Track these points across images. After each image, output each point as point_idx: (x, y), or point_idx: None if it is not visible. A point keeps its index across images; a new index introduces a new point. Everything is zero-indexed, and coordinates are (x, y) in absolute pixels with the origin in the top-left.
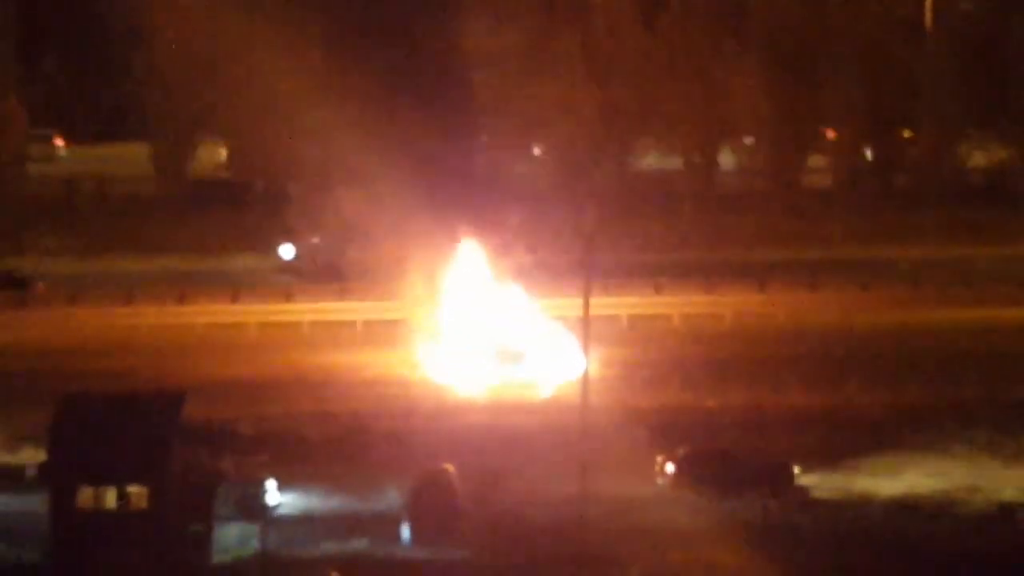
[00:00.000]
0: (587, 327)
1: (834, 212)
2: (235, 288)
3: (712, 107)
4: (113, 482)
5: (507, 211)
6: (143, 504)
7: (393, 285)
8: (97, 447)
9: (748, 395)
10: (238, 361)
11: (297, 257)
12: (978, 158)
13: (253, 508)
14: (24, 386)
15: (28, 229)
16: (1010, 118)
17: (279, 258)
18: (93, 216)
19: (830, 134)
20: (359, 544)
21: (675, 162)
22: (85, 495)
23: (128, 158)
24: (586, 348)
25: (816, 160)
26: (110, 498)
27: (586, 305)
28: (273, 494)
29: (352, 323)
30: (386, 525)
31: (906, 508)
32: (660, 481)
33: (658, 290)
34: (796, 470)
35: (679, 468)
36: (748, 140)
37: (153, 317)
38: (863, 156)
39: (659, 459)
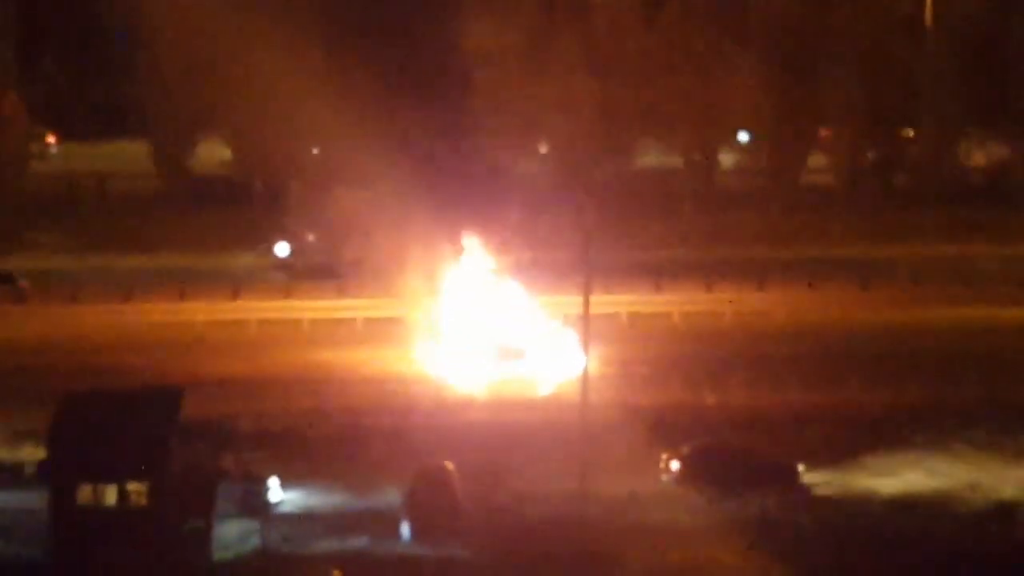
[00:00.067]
0: (587, 324)
1: (834, 211)
2: (235, 285)
3: (712, 105)
4: (113, 479)
5: (507, 209)
6: (143, 501)
7: (390, 283)
8: (97, 444)
9: (747, 393)
10: (238, 358)
11: (292, 255)
12: (978, 157)
13: (256, 505)
14: (24, 383)
15: (28, 227)
16: (1011, 117)
17: (274, 256)
18: (93, 213)
19: (824, 133)
20: (359, 541)
21: (675, 160)
22: (85, 492)
23: (128, 156)
24: (586, 346)
25: (816, 159)
26: (110, 495)
27: (586, 302)
28: (276, 491)
29: (352, 320)
30: (386, 522)
31: (906, 507)
32: (665, 478)
33: (658, 288)
34: (800, 468)
35: (684, 465)
36: (742, 137)
37: (153, 314)
38: (863, 155)
39: (664, 456)
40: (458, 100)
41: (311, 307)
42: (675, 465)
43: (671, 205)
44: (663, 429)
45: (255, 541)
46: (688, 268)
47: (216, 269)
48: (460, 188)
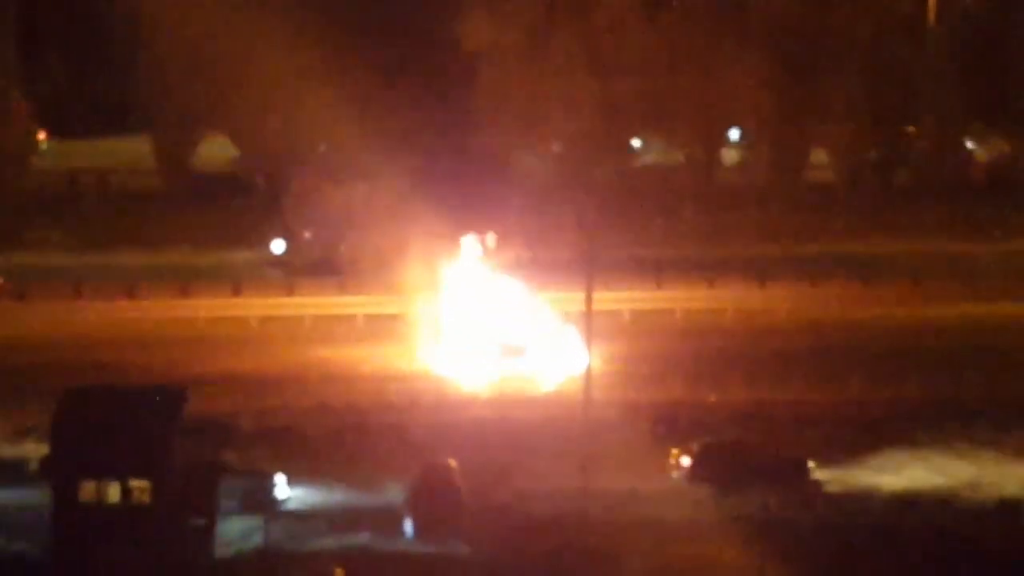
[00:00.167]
0: (590, 321)
1: (835, 208)
2: (236, 282)
3: (714, 103)
4: (115, 476)
5: (508, 206)
6: (145, 498)
7: (388, 280)
8: (99, 441)
9: (749, 390)
10: (239, 355)
11: (288, 252)
12: (980, 154)
13: (263, 502)
14: (26, 380)
15: (30, 224)
16: (1012, 114)
17: (269, 253)
18: (95, 210)
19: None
20: (361, 538)
21: (677, 158)
22: (87, 489)
23: (131, 152)
24: (588, 342)
25: (818, 156)
26: (112, 492)
27: (589, 299)
28: (282, 488)
29: (353, 317)
30: (388, 519)
31: (908, 503)
32: (675, 474)
33: (660, 285)
34: (811, 464)
35: (694, 461)
36: (735, 134)
37: (154, 311)
38: (865, 152)
39: (674, 452)
40: (459, 97)
41: (312, 304)
42: (685, 461)
43: (673, 202)
44: (665, 426)
45: (257, 538)
46: (690, 265)
47: (213, 266)
48: (461, 185)
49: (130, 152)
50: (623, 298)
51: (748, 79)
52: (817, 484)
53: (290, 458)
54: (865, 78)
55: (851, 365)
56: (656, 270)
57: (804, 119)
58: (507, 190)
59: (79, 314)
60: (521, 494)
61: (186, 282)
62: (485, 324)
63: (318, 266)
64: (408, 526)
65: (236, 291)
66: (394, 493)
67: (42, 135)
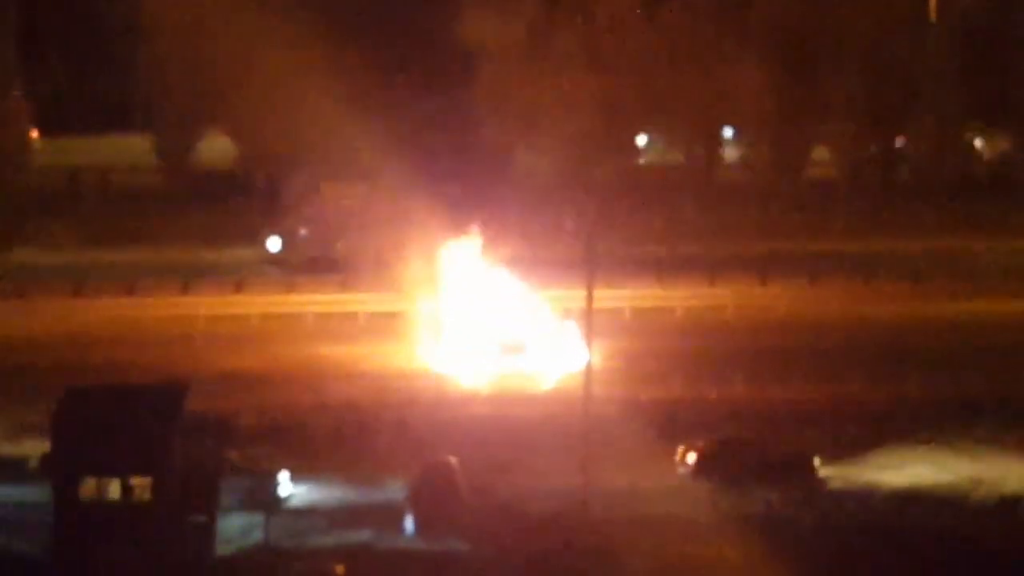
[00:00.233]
0: (590, 319)
1: (836, 205)
2: (237, 280)
3: (715, 101)
4: (116, 474)
5: (508, 203)
6: (146, 496)
7: (387, 277)
8: (100, 439)
9: (750, 387)
10: (241, 353)
11: (284, 249)
12: (981, 151)
13: (266, 500)
14: (27, 378)
15: (31, 221)
16: (1014, 111)
17: (265, 250)
18: (95, 208)
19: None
20: (362, 535)
21: (677, 155)
22: (88, 487)
23: (131, 150)
24: (589, 340)
25: (819, 153)
26: (113, 490)
27: (589, 297)
28: (286, 486)
29: (354, 315)
30: (389, 517)
31: (909, 500)
32: (681, 471)
33: (661, 282)
34: (817, 462)
35: (700, 458)
36: (728, 131)
37: (155, 308)
38: (866, 149)
39: (680, 449)
40: (459, 95)
41: (313, 301)
42: (691, 458)
43: (673, 199)
44: (666, 423)
45: (258, 536)
46: (691, 262)
47: (209, 264)
48: (461, 183)
49: (131, 150)
50: (624, 295)
51: (749, 77)
52: (823, 481)
53: (291, 455)
54: (866, 75)
55: (852, 363)
56: (657, 267)
57: (805, 117)
58: (507, 188)
59: (80, 312)
60: (522, 491)
61: (187, 280)
62: (485, 322)
63: (314, 264)
64: (409, 523)
65: (237, 288)
66: (395, 490)
67: (34, 133)
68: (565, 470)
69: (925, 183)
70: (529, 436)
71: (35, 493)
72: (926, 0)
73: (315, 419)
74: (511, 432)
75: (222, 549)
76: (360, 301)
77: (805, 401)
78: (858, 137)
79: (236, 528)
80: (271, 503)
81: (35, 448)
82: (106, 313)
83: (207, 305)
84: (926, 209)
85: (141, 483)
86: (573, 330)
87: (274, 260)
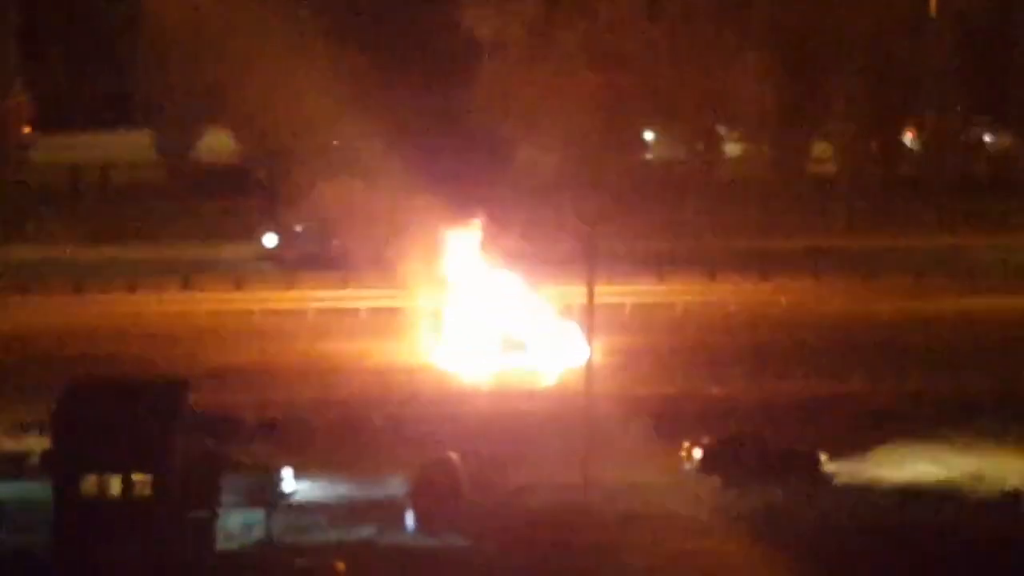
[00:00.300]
0: (591, 315)
1: (837, 201)
2: (238, 275)
3: (716, 97)
4: (117, 470)
5: (510, 199)
6: (146, 492)
7: (387, 274)
8: (101, 435)
9: (751, 383)
10: (242, 348)
11: (280, 245)
12: (983, 147)
13: (270, 496)
14: (28, 374)
15: (32, 217)
16: (1015, 107)
17: (261, 246)
18: (96, 204)
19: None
20: (363, 531)
21: (679, 151)
22: (89, 483)
23: (132, 146)
24: (590, 336)
25: (819, 149)
26: (114, 487)
27: (590, 293)
28: (289, 482)
29: (356, 311)
30: (389, 512)
31: (910, 496)
32: (687, 467)
33: (661, 278)
34: (823, 458)
35: (706, 454)
36: (721, 129)
37: (156, 304)
38: (867, 145)
39: (686, 445)
40: (460, 91)
41: (314, 297)
42: (698, 454)
43: (675, 195)
44: (666, 419)
45: (259, 531)
46: (691, 258)
47: (205, 260)
48: (462, 179)
49: (131, 146)
50: (624, 291)
51: (750, 74)
52: (828, 477)
53: (292, 451)
54: (866, 72)
55: (852, 359)
56: (658, 264)
57: (806, 113)
58: (508, 184)
59: (80, 308)
60: (522, 487)
61: (187, 276)
62: (486, 318)
63: (310, 261)
64: (409, 519)
65: (238, 285)
66: (395, 486)
67: (27, 129)
68: (566, 466)
69: (926, 179)
70: (530, 432)
71: (36, 490)
72: None
73: (316, 415)
74: (512, 428)
75: (223, 545)
76: (361, 297)
77: (805, 397)
78: (859, 134)
79: (237, 524)
80: (274, 499)
81: (36, 445)
82: (107, 309)
83: (208, 301)
84: (927, 205)
85: (142, 480)
86: (574, 326)
87: (270, 256)
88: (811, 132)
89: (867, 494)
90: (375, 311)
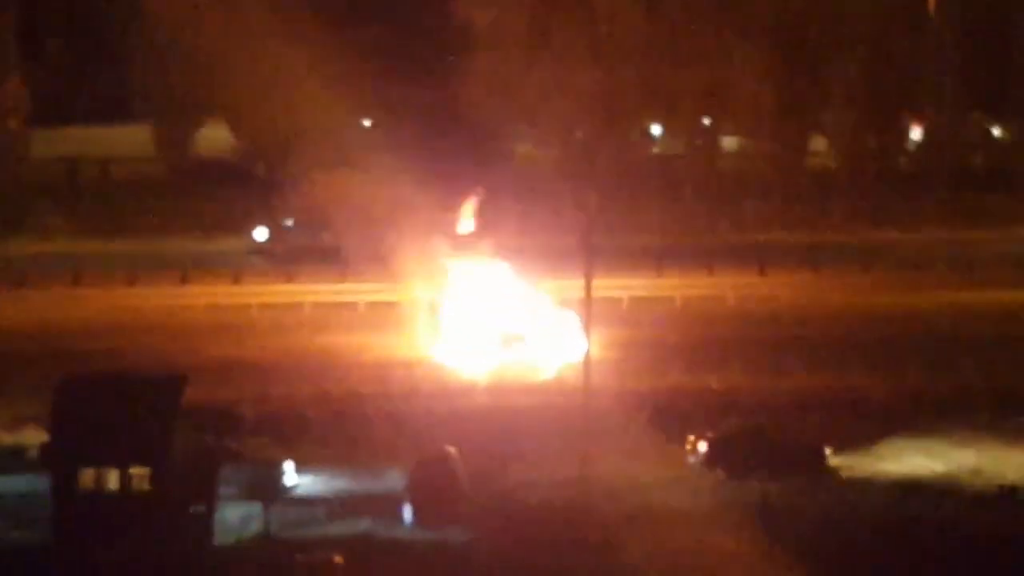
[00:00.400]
0: (589, 309)
1: (836, 195)
2: (236, 269)
3: (714, 90)
4: (115, 464)
5: (508, 192)
6: (144, 486)
7: (382, 267)
8: (98, 429)
9: (750, 377)
10: (240, 342)
11: (270, 239)
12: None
13: (271, 490)
14: (25, 367)
15: (30, 211)
16: (1013, 102)
17: (251, 240)
18: (95, 197)
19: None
20: (361, 526)
21: (677, 145)
22: (87, 477)
23: (131, 140)
24: (588, 330)
25: (818, 143)
26: (112, 480)
27: (588, 287)
28: (291, 475)
29: (354, 305)
30: (388, 507)
31: (909, 491)
32: (692, 461)
33: (660, 272)
34: (828, 452)
35: (711, 448)
36: (706, 120)
37: (154, 298)
38: (865, 139)
39: (691, 439)
40: (458, 83)
41: (312, 291)
42: (703, 447)
43: (673, 189)
44: (665, 413)
45: (257, 525)
46: (690, 252)
47: (194, 254)
48: (460, 173)
49: (129, 140)
50: (622, 285)
51: (748, 67)
52: (833, 472)
53: (290, 445)
54: (865, 65)
55: (851, 353)
56: (656, 257)
57: (804, 107)
58: (506, 177)
59: (78, 302)
60: (521, 482)
61: (185, 269)
62: (485, 312)
63: (301, 254)
64: (408, 513)
65: (236, 279)
66: (394, 480)
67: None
68: (564, 460)
69: (926, 173)
70: (528, 426)
71: (34, 483)
72: None
73: (314, 409)
74: (510, 422)
75: (222, 539)
76: (360, 291)
77: (804, 391)
78: (857, 128)
79: (235, 518)
80: (275, 493)
81: (34, 438)
82: (105, 303)
83: (206, 295)
84: (926, 199)
85: (140, 473)
86: (572, 320)
87: (260, 250)
88: (809, 126)
89: (866, 488)
90: (373, 305)
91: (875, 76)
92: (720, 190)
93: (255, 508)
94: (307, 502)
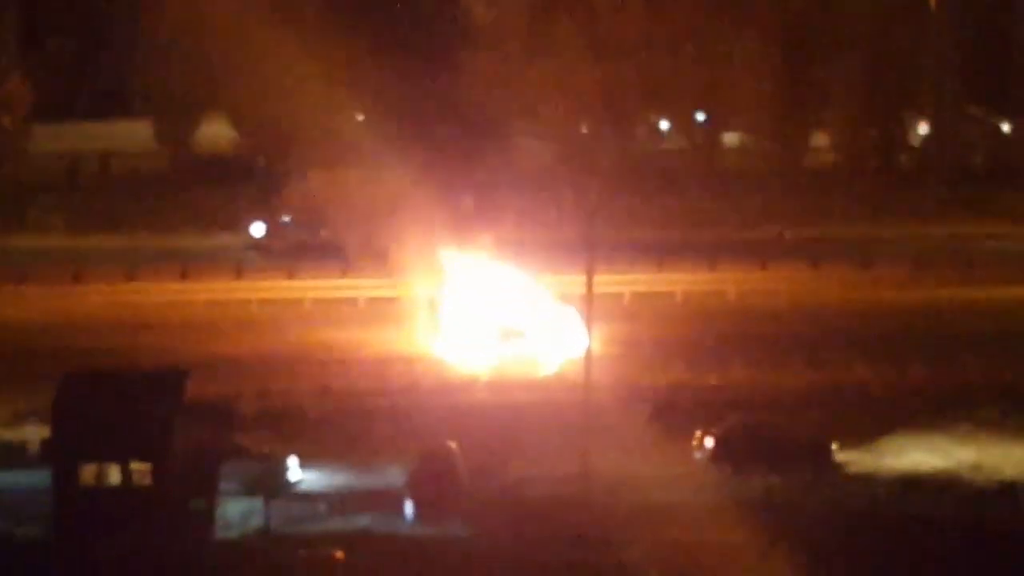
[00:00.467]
0: (590, 304)
1: (837, 190)
2: (237, 265)
3: (716, 86)
4: (116, 459)
5: (509, 187)
6: (146, 481)
7: (382, 263)
8: (100, 424)
9: (750, 372)
10: (240, 338)
11: (268, 235)
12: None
13: (275, 485)
14: (27, 363)
15: (31, 206)
16: (1014, 96)
17: (249, 236)
18: (96, 193)
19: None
20: (362, 521)
21: (683, 140)
22: (88, 472)
23: (132, 135)
24: (589, 325)
25: (819, 138)
26: (113, 475)
27: (589, 282)
28: (295, 471)
29: (354, 300)
30: (389, 502)
31: (910, 486)
32: (698, 456)
33: (661, 267)
34: (834, 447)
35: (718, 444)
36: (700, 116)
37: (155, 294)
38: (866, 135)
39: (698, 434)
40: (459, 79)
41: (313, 287)
42: (709, 443)
43: (674, 184)
44: (666, 409)
45: (258, 521)
46: (691, 247)
47: (192, 249)
48: (460, 168)
49: (131, 135)
50: (624, 280)
51: (749, 62)
52: (839, 467)
53: (291, 441)
54: (867, 61)
55: (852, 348)
56: (657, 252)
57: (806, 102)
58: (507, 172)
59: (79, 297)
60: (521, 477)
61: (186, 265)
62: (485, 307)
63: (299, 250)
64: (408, 509)
65: (237, 274)
66: (394, 476)
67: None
68: (565, 456)
69: (928, 169)
70: (529, 422)
71: (35, 478)
72: None
73: (315, 404)
74: (511, 418)
75: (222, 534)
76: (359, 286)
77: (805, 387)
78: (858, 123)
79: (236, 513)
80: (279, 488)
81: (35, 433)
82: (106, 298)
83: (207, 290)
84: (927, 195)
85: (141, 468)
86: (573, 315)
87: (257, 246)
88: (810, 121)
89: (866, 484)
90: (374, 300)
91: (877, 72)
92: (722, 185)
93: (256, 504)
94: (308, 497)
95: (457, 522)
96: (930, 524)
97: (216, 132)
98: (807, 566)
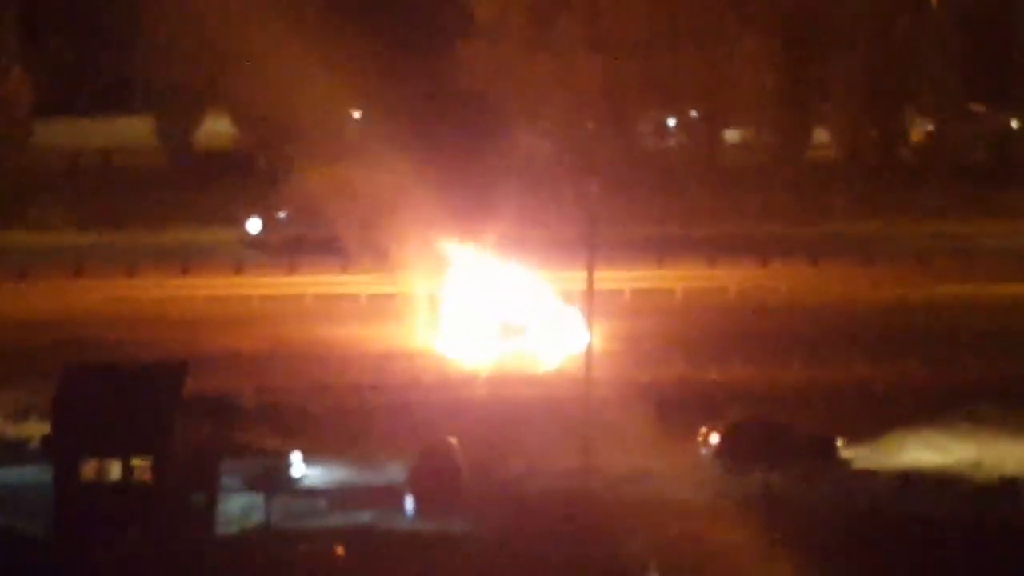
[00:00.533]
0: (591, 300)
1: (838, 187)
2: (237, 261)
3: (716, 82)
4: (116, 454)
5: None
6: (146, 476)
7: (382, 259)
8: (100, 419)
9: (750, 368)
10: (241, 334)
11: (264, 231)
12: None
13: (279, 481)
14: (27, 358)
15: (32, 202)
16: (1015, 93)
17: (245, 232)
18: (97, 189)
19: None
20: (363, 517)
21: (680, 137)
22: (89, 467)
23: (133, 131)
24: (590, 321)
25: (820, 135)
26: (113, 470)
27: (590, 278)
28: (299, 466)
29: (355, 296)
30: (390, 498)
31: (909, 482)
32: (704, 451)
33: (661, 264)
34: (839, 443)
35: (723, 439)
36: (693, 113)
37: (156, 290)
38: (866, 131)
39: (703, 430)
40: (460, 76)
41: (314, 283)
42: (714, 438)
43: (675, 181)
44: (666, 404)
45: (259, 516)
46: (691, 244)
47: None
48: (461, 165)
49: (131, 132)
50: (624, 277)
51: (751, 59)
52: (845, 463)
53: (292, 436)
54: (868, 58)
55: (852, 345)
56: (658, 249)
57: (807, 99)
58: (508, 169)
59: (80, 293)
60: (521, 472)
61: (187, 261)
62: (486, 303)
63: (295, 245)
64: (409, 504)
65: (237, 270)
66: (395, 471)
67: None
68: (565, 451)
69: (928, 165)
70: (530, 417)
71: (36, 474)
72: None
73: (316, 400)
74: (512, 413)
75: (223, 530)
76: (360, 283)
77: (805, 383)
78: (859, 119)
79: (237, 508)
80: (277, 484)
81: (36, 429)
82: (107, 294)
83: (207, 286)
84: (928, 191)
85: (142, 464)
86: (574, 311)
87: (253, 242)
88: (811, 118)
89: (867, 480)
90: (374, 296)
91: (878, 69)
92: (722, 182)
93: (257, 499)
94: (309, 493)
95: (457, 517)
96: (930, 521)
97: (216, 129)
98: (806, 560)
